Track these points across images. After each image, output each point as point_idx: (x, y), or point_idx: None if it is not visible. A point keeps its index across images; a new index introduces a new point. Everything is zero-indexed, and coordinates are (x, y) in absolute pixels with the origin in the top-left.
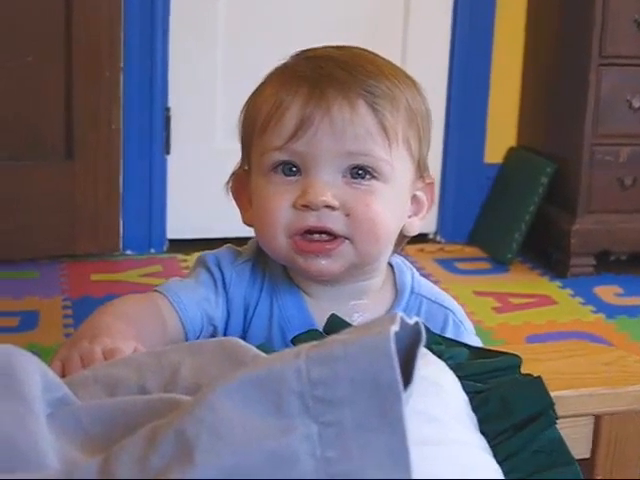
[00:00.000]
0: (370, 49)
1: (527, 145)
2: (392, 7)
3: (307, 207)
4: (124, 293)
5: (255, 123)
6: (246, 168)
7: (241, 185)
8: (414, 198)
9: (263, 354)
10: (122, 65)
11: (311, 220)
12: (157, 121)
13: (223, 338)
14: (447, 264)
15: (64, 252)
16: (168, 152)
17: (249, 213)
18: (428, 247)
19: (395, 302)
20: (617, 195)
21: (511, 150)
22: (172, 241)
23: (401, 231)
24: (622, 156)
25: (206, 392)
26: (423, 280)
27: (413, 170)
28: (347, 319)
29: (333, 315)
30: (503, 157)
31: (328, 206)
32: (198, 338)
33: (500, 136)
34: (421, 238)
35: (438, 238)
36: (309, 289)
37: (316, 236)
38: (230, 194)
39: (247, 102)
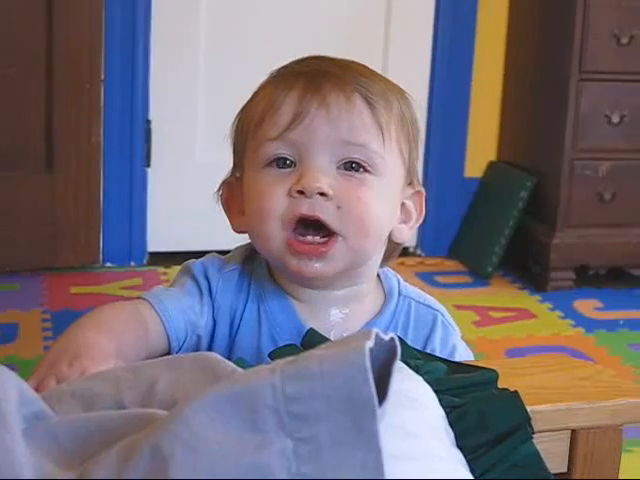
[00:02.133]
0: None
1: (507, 159)
2: (373, 22)
3: (301, 193)
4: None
5: (250, 123)
6: (237, 175)
7: (231, 193)
8: (403, 206)
9: (240, 369)
10: (103, 77)
11: (304, 207)
12: (138, 134)
13: (200, 353)
14: (427, 278)
15: (44, 264)
16: (149, 165)
17: (239, 220)
18: (408, 261)
19: (384, 305)
20: (597, 209)
21: (491, 164)
22: (152, 254)
23: (391, 239)
24: (601, 171)
25: (182, 407)
26: (409, 285)
27: (404, 173)
28: (337, 323)
29: (311, 330)
30: (483, 171)
31: (322, 194)
32: (182, 347)
33: (480, 150)
34: (401, 252)
35: (418, 252)
36: (298, 294)
37: (309, 238)
38: (220, 202)
39: (241, 109)
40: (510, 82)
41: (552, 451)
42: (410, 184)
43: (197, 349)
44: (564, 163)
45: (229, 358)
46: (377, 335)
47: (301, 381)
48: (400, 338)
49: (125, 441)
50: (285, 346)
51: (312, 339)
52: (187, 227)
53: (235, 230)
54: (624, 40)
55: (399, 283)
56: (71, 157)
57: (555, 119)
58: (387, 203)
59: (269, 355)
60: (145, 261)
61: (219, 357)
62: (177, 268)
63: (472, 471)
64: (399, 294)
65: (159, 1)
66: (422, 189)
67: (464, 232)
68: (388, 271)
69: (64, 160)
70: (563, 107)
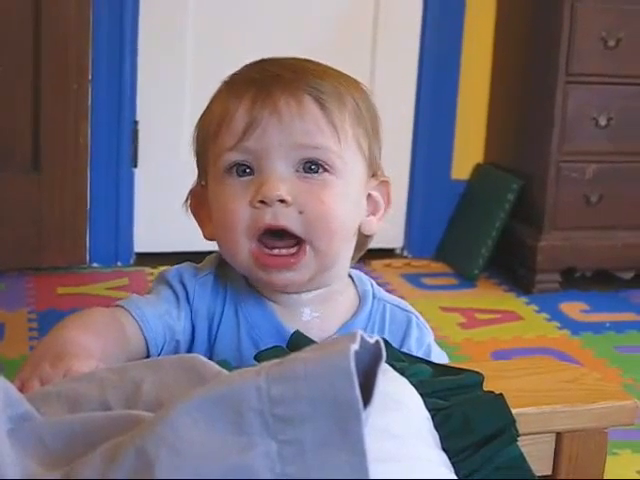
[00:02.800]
0: (338, 66)
1: (494, 162)
2: (360, 24)
3: (263, 203)
4: (90, 306)
5: (208, 133)
6: (203, 184)
7: (199, 202)
8: (369, 198)
9: (225, 371)
10: (90, 78)
11: (267, 218)
12: (125, 134)
13: (185, 355)
14: (413, 279)
15: (30, 264)
16: (136, 165)
17: (209, 228)
18: (395, 262)
19: (360, 307)
20: (583, 212)
21: (478, 166)
22: (139, 254)
23: (360, 232)
24: (588, 173)
25: (167, 409)
26: (382, 289)
27: (365, 168)
28: (314, 324)
29: (297, 332)
30: (470, 173)
31: (282, 200)
32: (160, 353)
33: (467, 152)
34: (388, 253)
35: (405, 253)
36: (274, 297)
37: (275, 251)
38: (189, 212)
39: (199, 119)
40: (497, 84)
41: (537, 454)
42: (374, 175)
43: (176, 354)
44: (551, 165)
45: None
46: (362, 337)
47: (286, 383)
48: (385, 340)
49: (110, 443)
50: (270, 348)
51: (298, 341)
52: (174, 228)
53: (207, 238)
54: (611, 43)
55: (372, 286)
56: (58, 157)
57: (542, 122)
58: (350, 201)
59: (255, 357)
60: (132, 261)
61: (204, 359)
62: (164, 268)
63: (457, 473)
64: (373, 297)
65: (147, 2)
66: (387, 178)
67: (451, 234)
68: (362, 275)
69: (51, 160)
70: (550, 110)
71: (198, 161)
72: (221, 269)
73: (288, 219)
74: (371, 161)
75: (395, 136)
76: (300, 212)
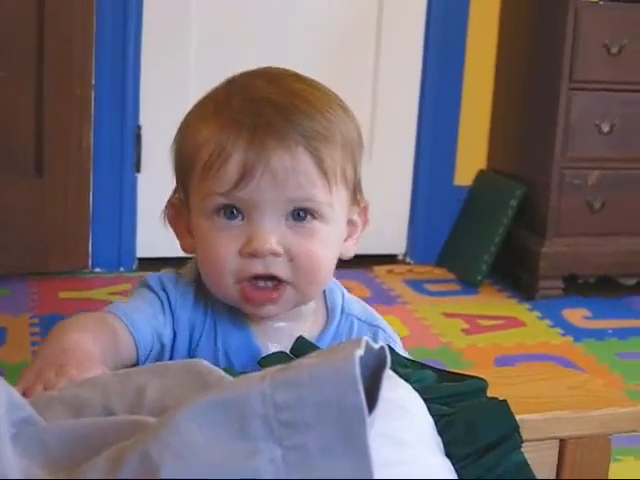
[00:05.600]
0: (341, 76)
1: (497, 168)
2: (364, 30)
3: (253, 255)
4: (92, 311)
5: (194, 164)
6: (182, 197)
7: (177, 213)
8: (349, 222)
9: (229, 377)
10: (93, 82)
11: (259, 268)
12: (128, 139)
13: (189, 360)
14: (416, 285)
15: (33, 270)
16: (138, 170)
17: (187, 241)
18: (397, 268)
19: (328, 323)
20: (586, 218)
21: (481, 173)
22: (142, 260)
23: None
24: (591, 180)
25: (171, 415)
26: (353, 299)
27: (349, 199)
28: (284, 339)
29: (300, 337)
30: (473, 180)
31: (273, 253)
32: (149, 356)
33: (470, 159)
34: (391, 259)
35: (408, 259)
36: (247, 312)
37: (261, 283)
38: (166, 222)
39: (180, 132)
40: (500, 91)
41: (541, 460)
42: (356, 202)
43: (160, 358)
44: (554, 172)
45: None
46: (367, 343)
47: (291, 389)
48: (389, 347)
49: (115, 448)
50: (274, 354)
51: (302, 347)
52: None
53: (185, 251)
54: (614, 50)
55: (343, 299)
56: (61, 162)
57: (545, 128)
58: (335, 244)
59: (259, 363)
60: (134, 267)
61: (208, 364)
62: (145, 274)
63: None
64: (342, 311)
65: (150, 7)
66: (366, 202)
67: (453, 240)
68: (334, 284)
69: (54, 165)
70: (553, 116)
71: (177, 176)
72: (200, 280)
73: (278, 268)
74: (354, 188)
75: (398, 143)
76: (290, 260)
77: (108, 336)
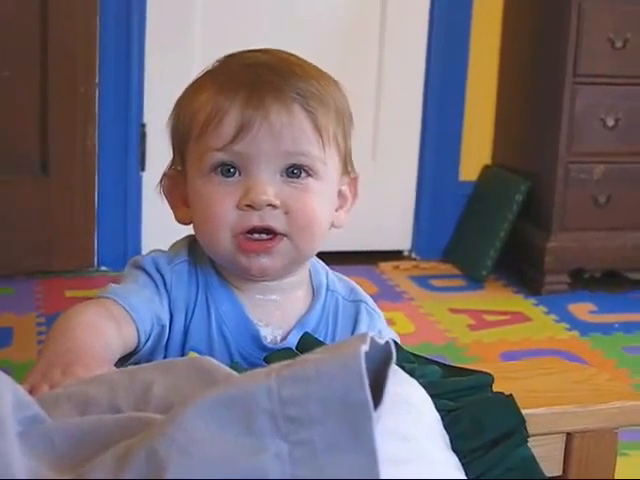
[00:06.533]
0: (345, 70)
1: (502, 163)
2: (368, 25)
3: (250, 207)
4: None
5: (191, 127)
6: (179, 168)
7: (173, 185)
8: (339, 193)
9: (235, 373)
10: (98, 81)
11: (255, 220)
12: (132, 137)
13: (195, 356)
14: (422, 281)
15: (39, 268)
16: (143, 169)
17: (182, 211)
18: (403, 264)
19: (314, 300)
20: (591, 213)
21: (486, 168)
22: None
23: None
24: (596, 174)
25: (178, 411)
26: (336, 277)
27: (340, 167)
28: (277, 316)
29: (306, 334)
30: (478, 175)
31: (270, 205)
32: (149, 339)
33: (475, 154)
34: (396, 255)
35: (413, 255)
36: (238, 284)
37: (256, 235)
38: (162, 194)
39: (178, 105)
40: (505, 85)
41: (547, 455)
42: (346, 172)
43: (160, 340)
44: (559, 166)
45: (183, 350)
46: (372, 339)
47: (297, 384)
48: (395, 342)
49: (121, 445)
50: (280, 350)
51: (307, 343)
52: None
53: (179, 221)
54: (619, 44)
55: (327, 277)
56: (66, 161)
57: (550, 122)
58: (328, 202)
59: (264, 359)
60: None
61: (214, 361)
62: (135, 256)
63: (467, 475)
64: (327, 289)
65: (154, 5)
66: (357, 174)
67: (459, 235)
68: (317, 262)
69: (59, 164)
70: (558, 110)
71: (174, 146)
72: (192, 255)
73: (274, 220)
74: (345, 158)
75: (403, 138)
76: (286, 213)
77: (110, 325)
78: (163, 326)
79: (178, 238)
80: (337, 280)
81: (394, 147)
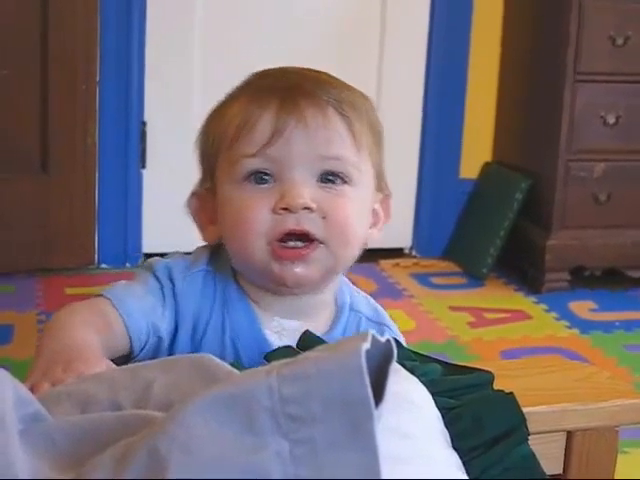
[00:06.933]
0: (346, 67)
1: (502, 161)
2: (368, 24)
3: (287, 210)
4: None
5: (223, 138)
6: (208, 187)
7: (201, 204)
8: (372, 211)
9: (236, 371)
10: (98, 79)
11: (291, 223)
12: (133, 135)
13: (196, 355)
14: (422, 279)
15: (39, 266)
16: (144, 166)
17: (209, 230)
18: (403, 262)
19: (336, 319)
20: (592, 211)
21: (486, 165)
22: (148, 255)
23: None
24: (597, 172)
25: (179, 409)
26: (361, 296)
27: (374, 180)
28: (291, 336)
29: (307, 332)
30: (478, 172)
31: (306, 208)
32: (143, 349)
33: (475, 151)
34: (396, 253)
35: (413, 253)
36: (260, 299)
37: (291, 243)
38: (190, 213)
39: (206, 122)
40: (505, 83)
41: (548, 453)
42: (379, 189)
43: (157, 351)
44: (559, 164)
45: None
46: (373, 337)
47: (297, 383)
48: (396, 340)
49: (122, 443)
50: (281, 348)
51: (308, 341)
52: (182, 228)
53: (207, 241)
54: (619, 41)
55: (351, 296)
56: (66, 158)
57: (550, 120)
58: (363, 212)
59: (265, 357)
60: (140, 262)
61: (215, 359)
62: (153, 258)
63: (468, 473)
64: (350, 309)
65: (154, 3)
66: (390, 192)
67: (459, 233)
68: (342, 283)
69: (59, 161)
70: (558, 108)
71: (204, 164)
72: (211, 264)
73: (311, 224)
74: (378, 173)
75: (403, 135)
76: (323, 218)
77: (105, 329)
78: (160, 338)
79: (178, 237)
80: (361, 298)
81: (394, 144)
